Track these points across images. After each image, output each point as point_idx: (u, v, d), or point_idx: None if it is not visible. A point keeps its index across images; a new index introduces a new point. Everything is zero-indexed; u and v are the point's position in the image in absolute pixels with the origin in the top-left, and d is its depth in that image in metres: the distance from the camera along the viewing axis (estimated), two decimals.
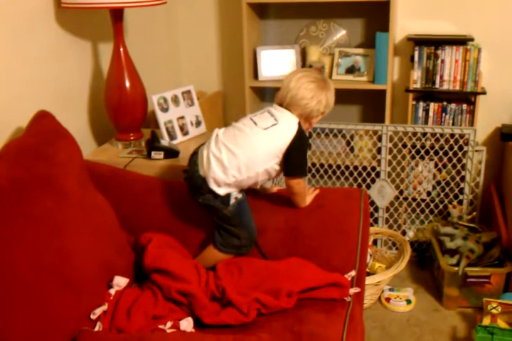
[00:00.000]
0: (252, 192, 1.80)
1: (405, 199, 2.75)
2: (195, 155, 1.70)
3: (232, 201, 1.68)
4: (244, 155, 1.61)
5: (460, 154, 2.58)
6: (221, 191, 1.65)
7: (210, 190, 1.65)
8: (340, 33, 2.90)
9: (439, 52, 2.62)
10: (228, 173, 1.62)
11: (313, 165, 2.82)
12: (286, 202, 1.78)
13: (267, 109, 1.70)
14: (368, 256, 2.39)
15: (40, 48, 2.01)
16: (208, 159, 1.64)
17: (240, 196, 1.70)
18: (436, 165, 2.71)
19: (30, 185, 1.44)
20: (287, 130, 1.64)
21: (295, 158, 1.65)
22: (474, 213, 2.63)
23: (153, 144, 2.09)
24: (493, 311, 2.10)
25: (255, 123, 1.65)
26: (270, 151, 1.63)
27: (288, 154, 1.63)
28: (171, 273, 1.54)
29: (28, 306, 1.29)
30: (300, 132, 1.65)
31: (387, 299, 2.37)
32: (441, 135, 2.61)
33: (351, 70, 2.83)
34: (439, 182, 2.72)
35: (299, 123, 1.66)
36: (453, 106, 2.68)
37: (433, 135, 2.64)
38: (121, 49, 2.14)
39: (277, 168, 1.66)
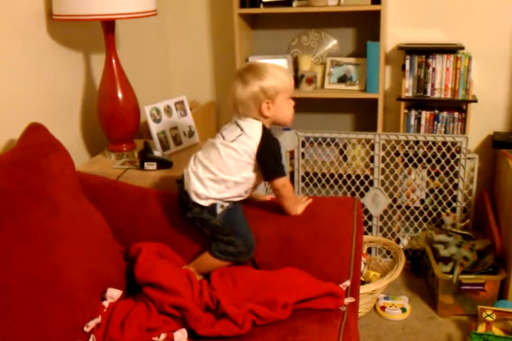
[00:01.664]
0: (246, 201, 1.80)
1: (399, 207, 2.75)
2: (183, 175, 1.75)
3: (219, 210, 1.68)
4: (217, 169, 1.65)
5: (452, 162, 2.60)
6: (204, 202, 1.67)
7: (194, 203, 1.67)
8: (332, 43, 2.92)
9: (430, 60, 2.64)
10: (207, 186, 1.66)
11: (307, 174, 2.82)
12: (278, 211, 1.77)
13: (235, 121, 1.70)
14: (363, 265, 2.39)
15: (32, 60, 2.01)
16: (188, 175, 1.70)
17: (227, 204, 1.70)
18: (429, 173, 2.72)
19: (22, 197, 1.44)
20: (252, 137, 1.64)
21: (267, 161, 1.65)
22: (468, 220, 2.63)
23: (146, 155, 2.09)
24: (488, 319, 2.10)
25: (223, 137, 1.68)
26: (240, 160, 1.65)
27: (260, 159, 1.64)
28: (162, 286, 1.53)
29: (21, 319, 1.28)
30: (265, 135, 1.64)
31: (382, 307, 2.37)
32: (434, 143, 2.62)
33: (343, 79, 2.85)
34: (432, 190, 2.73)
35: (263, 126, 1.66)
36: (445, 114, 2.70)
37: (425, 143, 2.65)
38: (113, 60, 2.15)
39: (253, 174, 1.67)
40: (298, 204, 1.76)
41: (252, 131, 1.65)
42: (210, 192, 1.66)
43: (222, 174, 1.65)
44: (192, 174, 1.68)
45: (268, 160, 1.65)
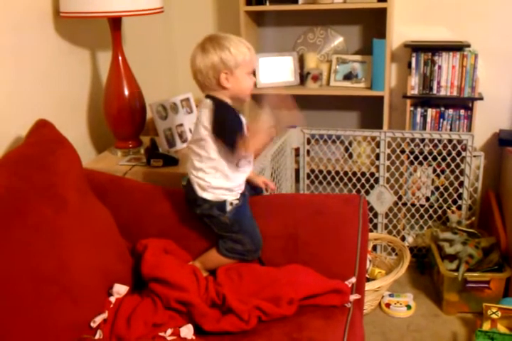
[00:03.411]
0: (250, 192, 1.80)
1: (404, 204, 2.75)
2: None
3: (229, 208, 1.69)
4: (198, 162, 1.66)
5: (458, 159, 2.59)
6: (211, 196, 1.67)
7: (203, 199, 1.68)
8: (338, 40, 2.92)
9: (436, 58, 2.63)
10: (204, 179, 1.66)
11: (312, 171, 2.82)
12: (284, 208, 1.78)
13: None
14: (368, 262, 2.39)
15: (40, 57, 2.02)
16: (188, 170, 1.71)
17: (236, 202, 1.70)
18: (434, 170, 2.72)
19: (30, 194, 1.45)
20: (203, 117, 1.62)
21: (222, 131, 1.60)
22: (473, 218, 2.63)
23: (152, 152, 2.10)
24: (493, 316, 2.10)
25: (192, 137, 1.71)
26: (207, 136, 1.61)
27: (216, 133, 1.60)
28: (168, 282, 1.54)
29: (28, 315, 1.29)
30: (217, 108, 1.61)
31: (387, 305, 2.38)
32: (439, 141, 2.62)
33: (349, 77, 2.85)
34: (437, 188, 2.73)
35: (215, 100, 1.62)
36: (450, 111, 2.69)
37: (431, 141, 2.65)
38: (120, 57, 2.16)
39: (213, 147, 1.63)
40: (260, 121, 1.64)
41: (204, 112, 1.63)
42: (209, 181, 1.66)
43: (203, 164, 1.65)
44: (190, 173, 1.70)
45: (222, 131, 1.60)
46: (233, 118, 1.64)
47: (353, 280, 1.66)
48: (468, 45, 2.63)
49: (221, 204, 1.68)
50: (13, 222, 1.36)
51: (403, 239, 2.76)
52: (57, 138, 1.74)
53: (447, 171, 2.66)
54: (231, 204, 1.69)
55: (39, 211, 1.44)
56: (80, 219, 1.56)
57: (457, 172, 2.61)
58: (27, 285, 1.32)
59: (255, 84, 1.68)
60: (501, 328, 2.11)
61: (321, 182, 2.85)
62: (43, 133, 1.72)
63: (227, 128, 1.61)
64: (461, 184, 2.62)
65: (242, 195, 1.73)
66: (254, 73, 1.68)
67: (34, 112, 1.96)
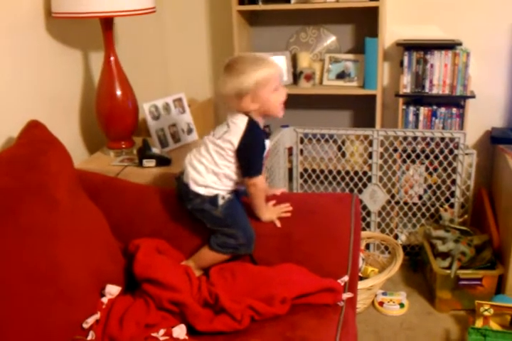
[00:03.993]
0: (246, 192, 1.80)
1: (397, 203, 2.76)
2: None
3: (221, 201, 1.69)
4: (208, 162, 1.68)
5: (451, 158, 2.60)
6: (204, 191, 1.68)
7: (195, 194, 1.68)
8: (330, 39, 2.92)
9: (428, 56, 2.64)
10: (202, 174, 1.68)
11: (305, 170, 2.83)
12: None
13: (226, 118, 1.71)
14: (361, 261, 2.40)
15: (31, 58, 2.02)
16: (186, 167, 1.72)
17: (228, 196, 1.71)
18: (427, 168, 2.73)
19: (22, 194, 1.45)
20: (234, 133, 1.64)
21: (245, 158, 1.65)
22: (466, 216, 2.64)
23: (144, 152, 2.10)
24: (486, 313, 2.11)
25: (213, 134, 1.70)
26: (227, 156, 1.65)
27: (238, 155, 1.65)
28: (161, 282, 1.54)
29: (20, 315, 1.29)
30: (249, 131, 1.63)
31: (381, 303, 2.38)
32: (432, 139, 2.63)
33: (342, 76, 2.85)
34: (430, 186, 2.74)
35: (249, 121, 1.64)
36: (443, 110, 2.70)
37: (423, 139, 2.66)
38: (112, 58, 2.15)
39: (236, 169, 1.67)
40: (269, 210, 1.75)
41: (236, 127, 1.65)
42: (207, 179, 1.67)
43: (211, 165, 1.67)
44: (189, 165, 1.71)
45: (248, 157, 1.65)
46: (259, 146, 1.67)
47: (346, 278, 1.66)
48: (460, 44, 2.64)
49: (213, 199, 1.69)
50: (5, 223, 1.36)
51: (396, 237, 2.77)
52: (48, 138, 1.73)
53: (440, 169, 2.67)
54: (223, 198, 1.70)
55: (31, 211, 1.44)
56: (72, 220, 1.56)
57: (449, 170, 2.62)
58: (19, 285, 1.32)
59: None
60: (494, 325, 2.13)
61: (314, 182, 2.86)
62: (35, 134, 1.72)
63: (253, 159, 1.66)
64: (454, 182, 2.63)
65: (235, 190, 1.74)
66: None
67: (26, 113, 1.96)
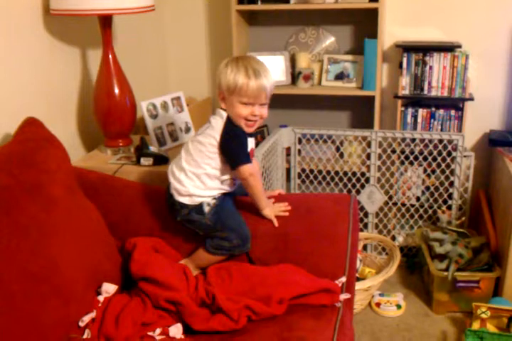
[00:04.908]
0: (242, 192, 1.79)
1: (395, 204, 2.76)
2: None
3: (207, 209, 1.68)
4: (186, 164, 1.67)
5: (449, 160, 2.60)
6: (188, 200, 1.67)
7: (180, 204, 1.68)
8: (329, 40, 2.92)
9: (427, 58, 2.64)
10: (182, 181, 1.67)
11: (303, 171, 2.82)
12: None
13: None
14: (358, 262, 2.40)
15: (29, 55, 2.01)
16: (168, 178, 1.72)
17: (213, 201, 1.70)
18: (425, 170, 2.72)
19: (18, 192, 1.43)
20: (215, 127, 1.64)
21: (230, 149, 1.63)
22: (463, 218, 2.64)
23: (142, 150, 2.09)
24: (483, 316, 2.11)
25: (197, 133, 1.70)
26: (207, 151, 1.64)
27: (222, 148, 1.63)
28: (158, 281, 1.54)
29: (16, 314, 1.28)
30: (229, 124, 1.63)
31: (378, 304, 2.38)
32: (430, 141, 2.63)
33: (340, 77, 2.85)
34: (428, 188, 2.74)
35: (228, 118, 1.63)
36: (441, 112, 2.70)
37: (422, 141, 2.65)
38: (110, 55, 2.14)
39: (223, 165, 1.65)
40: (269, 206, 1.74)
41: (216, 122, 1.64)
42: (187, 186, 1.66)
43: (190, 167, 1.65)
44: (171, 176, 1.70)
45: (230, 148, 1.63)
46: (241, 136, 1.65)
47: (343, 279, 1.66)
48: (460, 46, 2.64)
49: (198, 207, 1.68)
50: (1, 220, 1.35)
51: (393, 238, 2.77)
52: (45, 136, 1.72)
53: (438, 171, 2.67)
54: (208, 204, 1.69)
55: (27, 209, 1.43)
56: (68, 218, 1.55)
57: (447, 172, 2.62)
58: (15, 282, 1.30)
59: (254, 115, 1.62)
60: (490, 327, 2.12)
61: (311, 182, 2.85)
62: (32, 131, 1.71)
63: (239, 148, 1.64)
64: (452, 184, 2.62)
65: (226, 193, 1.73)
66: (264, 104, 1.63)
67: (23, 110, 1.95)
